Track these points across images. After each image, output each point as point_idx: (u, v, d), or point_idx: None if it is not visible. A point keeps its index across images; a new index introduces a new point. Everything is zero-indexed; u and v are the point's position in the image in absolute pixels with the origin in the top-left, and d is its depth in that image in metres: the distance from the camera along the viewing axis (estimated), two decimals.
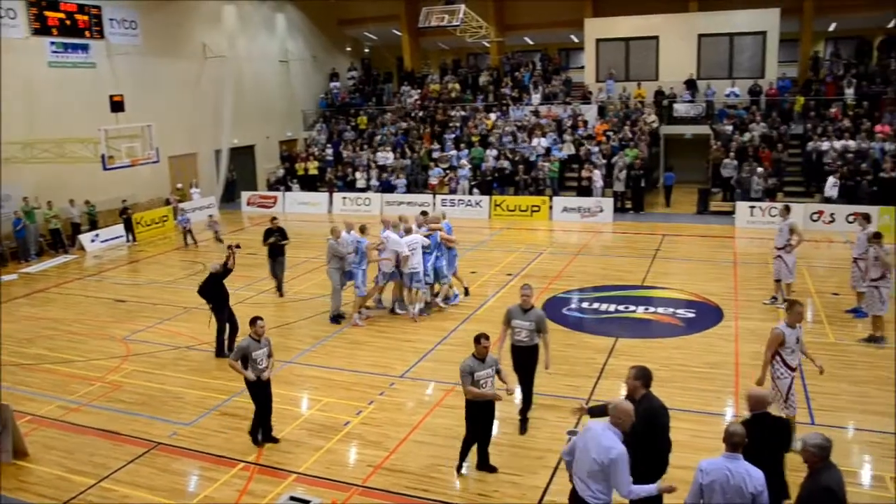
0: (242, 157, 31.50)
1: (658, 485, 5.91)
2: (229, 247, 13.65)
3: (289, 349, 12.88)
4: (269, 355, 9.30)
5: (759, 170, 23.96)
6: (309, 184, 30.46)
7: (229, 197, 30.53)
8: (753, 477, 5.41)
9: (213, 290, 12.69)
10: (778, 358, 8.65)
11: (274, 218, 16.77)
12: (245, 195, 30.15)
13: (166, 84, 26.78)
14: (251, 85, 31.38)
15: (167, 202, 26.53)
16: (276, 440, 9.41)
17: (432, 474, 8.52)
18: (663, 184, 28.05)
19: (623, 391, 7.54)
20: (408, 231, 14.28)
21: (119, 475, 8.80)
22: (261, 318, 9.17)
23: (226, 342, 12.80)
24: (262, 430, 9.40)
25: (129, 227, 23.67)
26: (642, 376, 6.48)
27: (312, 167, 30.74)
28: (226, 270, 12.96)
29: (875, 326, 12.49)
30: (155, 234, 24.55)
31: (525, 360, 9.42)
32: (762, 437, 6.08)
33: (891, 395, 10.19)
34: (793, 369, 8.70)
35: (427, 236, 14.38)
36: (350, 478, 8.50)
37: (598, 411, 7.15)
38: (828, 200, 22.53)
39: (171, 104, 26.89)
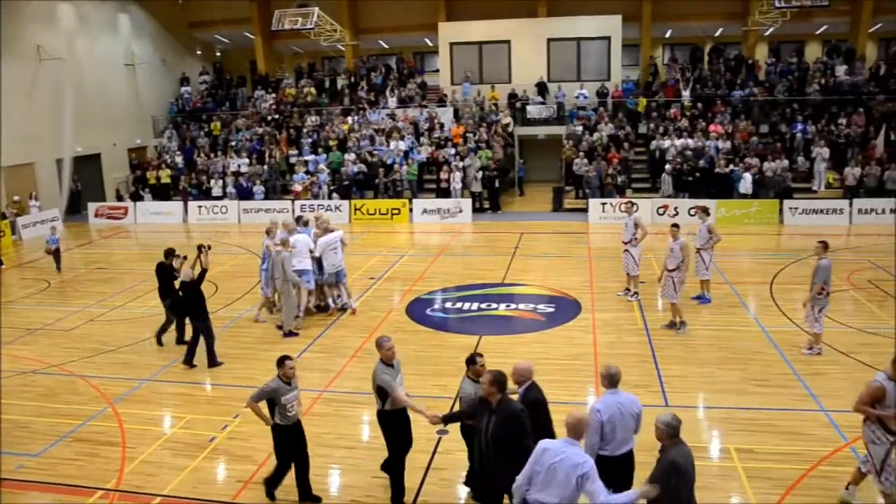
0: (88, 167, 29.73)
1: (636, 491, 5.81)
2: (199, 247, 12.97)
3: (147, 367, 12.33)
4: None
5: (668, 167, 24.76)
6: (162, 193, 29.23)
7: (74, 209, 28.78)
8: (635, 402, 6.70)
9: (192, 299, 12.11)
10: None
11: (171, 252, 13.37)
12: (92, 206, 28.47)
13: None
14: (94, 89, 29.65)
15: (3, 216, 24.67)
16: (317, 499, 8.05)
17: None
18: (516, 177, 29.42)
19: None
20: (326, 230, 14.29)
21: None
22: (290, 358, 7.79)
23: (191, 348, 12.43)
24: (299, 487, 8.00)
25: None
26: (497, 382, 6.51)
27: (165, 175, 29.50)
28: (201, 274, 12.36)
29: (674, 313, 13.27)
30: None
31: (402, 423, 7.93)
32: (538, 402, 6.82)
33: (732, 373, 11.05)
34: (894, 433, 6.97)
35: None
36: (219, 495, 8.25)
37: (453, 418, 7.47)
38: (745, 196, 23.57)
39: (4, 110, 24.87)
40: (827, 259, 11.43)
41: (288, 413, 7.71)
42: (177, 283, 12.90)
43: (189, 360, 12.29)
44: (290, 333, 13.65)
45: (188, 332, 12.88)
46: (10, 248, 23.48)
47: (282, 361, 7.73)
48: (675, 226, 13.42)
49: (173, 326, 13.40)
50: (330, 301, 14.88)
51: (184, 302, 12.35)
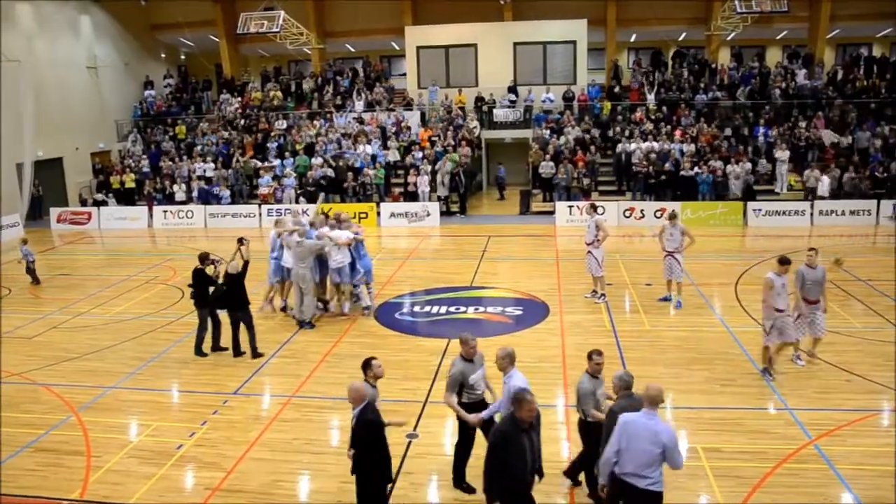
0: (49, 171, 29.18)
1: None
2: (240, 240, 12.97)
3: (112, 374, 12.12)
4: None
5: (738, 168, 24.39)
6: (126, 198, 28.82)
7: (35, 214, 28.25)
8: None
9: (238, 292, 12.23)
10: None
11: (206, 257, 12.74)
12: (54, 212, 27.97)
13: None
14: (56, 92, 29.08)
15: None
16: None
17: (273, 490, 8.34)
18: (496, 180, 29.79)
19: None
20: (332, 227, 14.35)
21: None
22: (375, 358, 7.57)
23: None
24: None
25: None
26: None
27: (129, 180, 29.10)
28: (244, 266, 12.44)
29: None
30: None
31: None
32: (373, 423, 6.93)
33: (698, 373, 11.19)
34: None
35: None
36: (187, 503, 8.15)
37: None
38: (822, 198, 23.41)
39: None
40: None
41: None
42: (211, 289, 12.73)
43: (237, 349, 12.58)
44: (308, 324, 13.98)
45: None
46: None
47: (369, 363, 7.52)
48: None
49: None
50: (332, 304, 14.87)
51: (228, 294, 12.36)
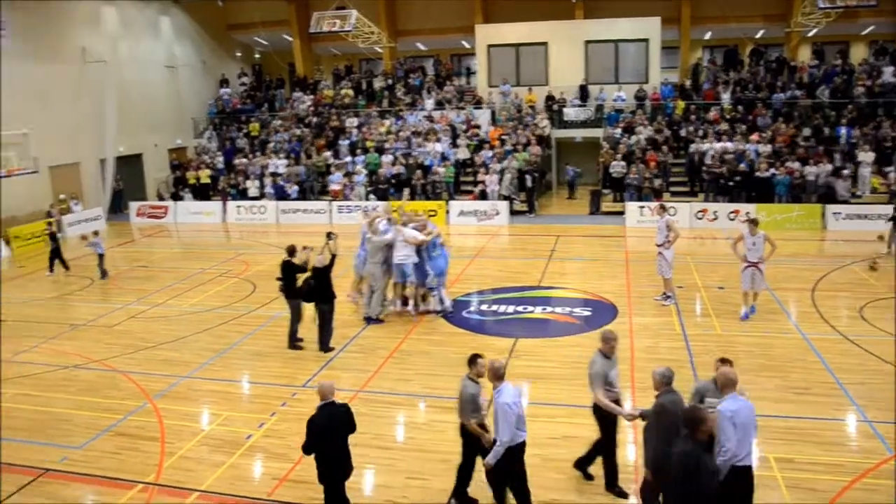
0: (130, 167, 30.28)
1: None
2: (329, 234, 13.52)
3: (186, 364, 12.50)
4: None
5: (845, 172, 23.47)
6: (201, 193, 29.65)
7: (117, 208, 29.33)
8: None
9: (324, 285, 12.54)
10: None
11: (293, 250, 13.03)
12: (134, 206, 29.02)
13: (43, 89, 25.28)
14: (137, 91, 30.15)
15: (48, 214, 25.14)
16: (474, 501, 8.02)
17: None
18: (567, 180, 29.51)
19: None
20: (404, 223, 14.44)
21: None
22: (482, 356, 7.69)
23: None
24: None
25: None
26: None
27: (204, 176, 29.90)
28: (332, 260, 12.82)
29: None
30: (36, 248, 23.24)
31: (610, 413, 7.97)
32: (329, 422, 7.20)
33: (770, 380, 10.84)
34: None
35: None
36: (255, 492, 8.34)
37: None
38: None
39: (50, 111, 25.45)
40: None
41: (482, 412, 7.70)
42: (300, 277, 12.94)
43: (326, 345, 12.84)
44: (376, 320, 14.16)
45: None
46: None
47: (475, 360, 7.64)
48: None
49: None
50: (411, 303, 14.89)
51: (315, 287, 12.61)
